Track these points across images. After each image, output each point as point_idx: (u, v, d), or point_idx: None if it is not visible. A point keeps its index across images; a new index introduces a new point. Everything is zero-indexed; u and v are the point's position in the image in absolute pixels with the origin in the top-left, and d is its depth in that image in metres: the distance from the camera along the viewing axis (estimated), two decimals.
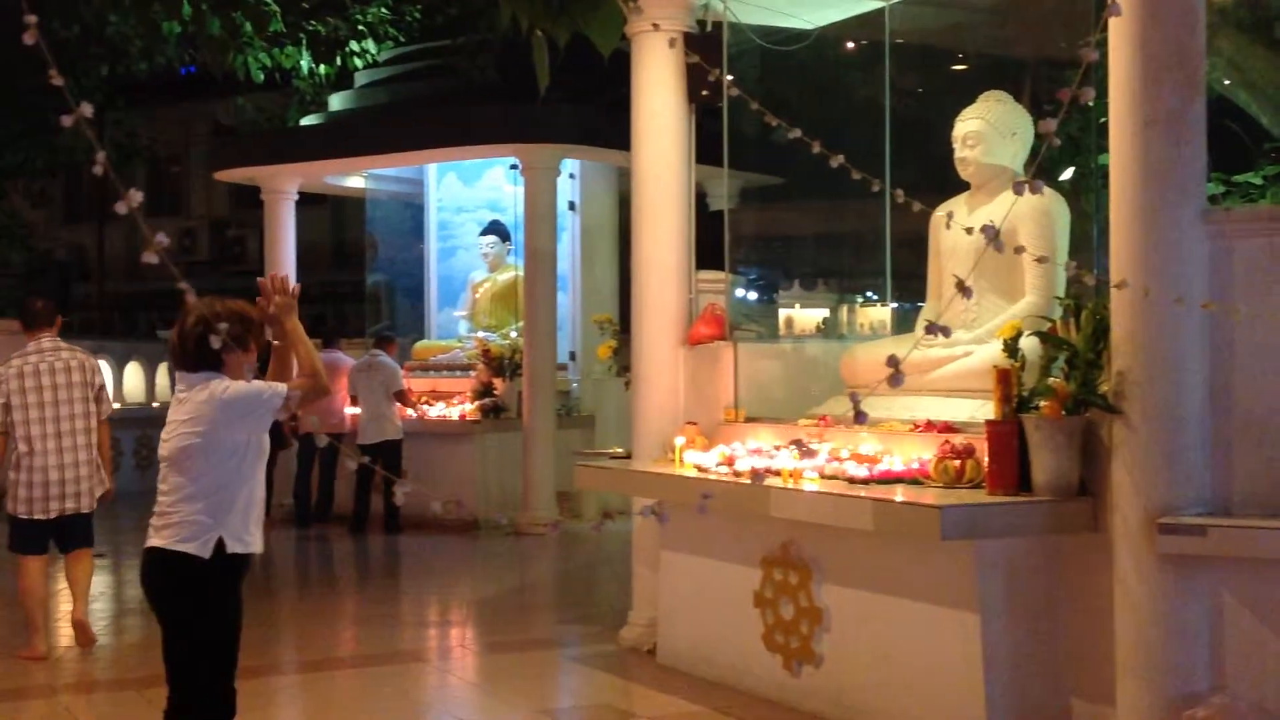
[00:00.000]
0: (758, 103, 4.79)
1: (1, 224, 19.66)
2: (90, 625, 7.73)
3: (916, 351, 6.62)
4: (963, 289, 3.56)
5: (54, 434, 7.16)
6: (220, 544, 4.21)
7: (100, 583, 10.26)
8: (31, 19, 3.08)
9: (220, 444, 4.20)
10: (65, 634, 7.90)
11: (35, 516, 7.22)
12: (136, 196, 2.97)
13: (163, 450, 4.31)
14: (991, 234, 3.74)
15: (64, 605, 8.19)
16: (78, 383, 7.24)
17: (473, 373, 13.46)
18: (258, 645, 7.82)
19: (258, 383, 4.26)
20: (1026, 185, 3.66)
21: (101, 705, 6.60)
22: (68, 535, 7.45)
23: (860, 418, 3.22)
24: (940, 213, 6.54)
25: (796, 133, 4.29)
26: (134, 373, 17.17)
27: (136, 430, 16.49)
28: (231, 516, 4.25)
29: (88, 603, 7.79)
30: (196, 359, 4.23)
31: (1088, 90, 3.61)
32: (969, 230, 4.67)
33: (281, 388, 4.24)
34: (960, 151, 6.66)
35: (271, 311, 4.31)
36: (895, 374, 3.12)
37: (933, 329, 3.58)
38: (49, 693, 6.78)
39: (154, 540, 4.26)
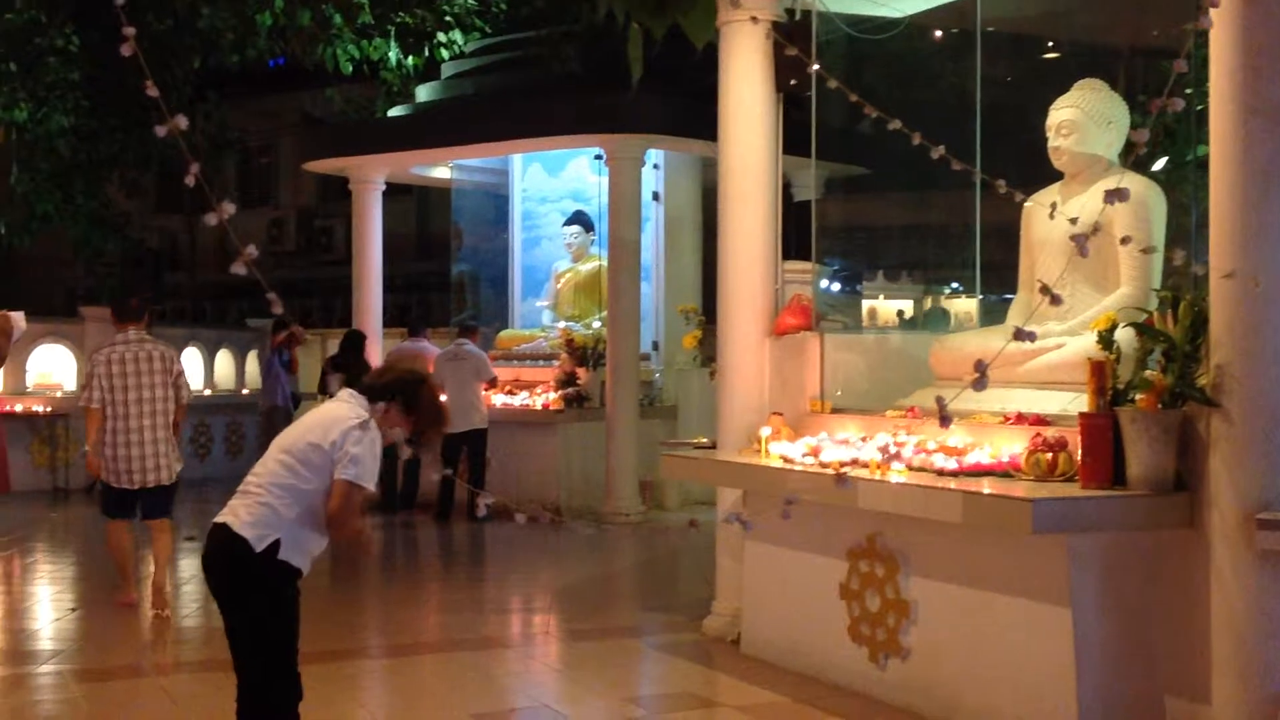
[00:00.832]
0: (855, 94, 4.76)
1: (98, 214, 20.04)
2: (166, 590, 8.26)
3: (1008, 344, 6.55)
4: (1051, 296, 3.50)
5: (137, 414, 8.00)
6: (275, 545, 4.28)
7: (189, 566, 10.47)
8: (129, 31, 3.14)
9: (327, 459, 4.31)
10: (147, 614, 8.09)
11: (122, 485, 8.05)
12: (228, 208, 3.03)
13: (285, 438, 4.41)
14: (1082, 241, 3.69)
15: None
16: (159, 370, 8.09)
17: (556, 362, 13.52)
18: (345, 630, 7.96)
19: (371, 465, 4.36)
20: (1115, 195, 3.60)
21: (193, 685, 6.72)
22: (148, 506, 8.21)
23: (945, 421, 3.19)
24: (1033, 203, 6.46)
25: (896, 124, 4.26)
26: (224, 360, 17.46)
27: (226, 416, 16.78)
28: (295, 528, 4.32)
29: (166, 569, 8.33)
30: (381, 390, 4.48)
31: (1176, 101, 3.55)
32: (1073, 220, 4.60)
33: (364, 482, 4.33)
34: (1054, 140, 6.57)
35: None
36: (980, 378, 3.09)
37: (1020, 335, 3.53)
38: (142, 673, 6.92)
39: (222, 516, 4.35)
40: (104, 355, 8.09)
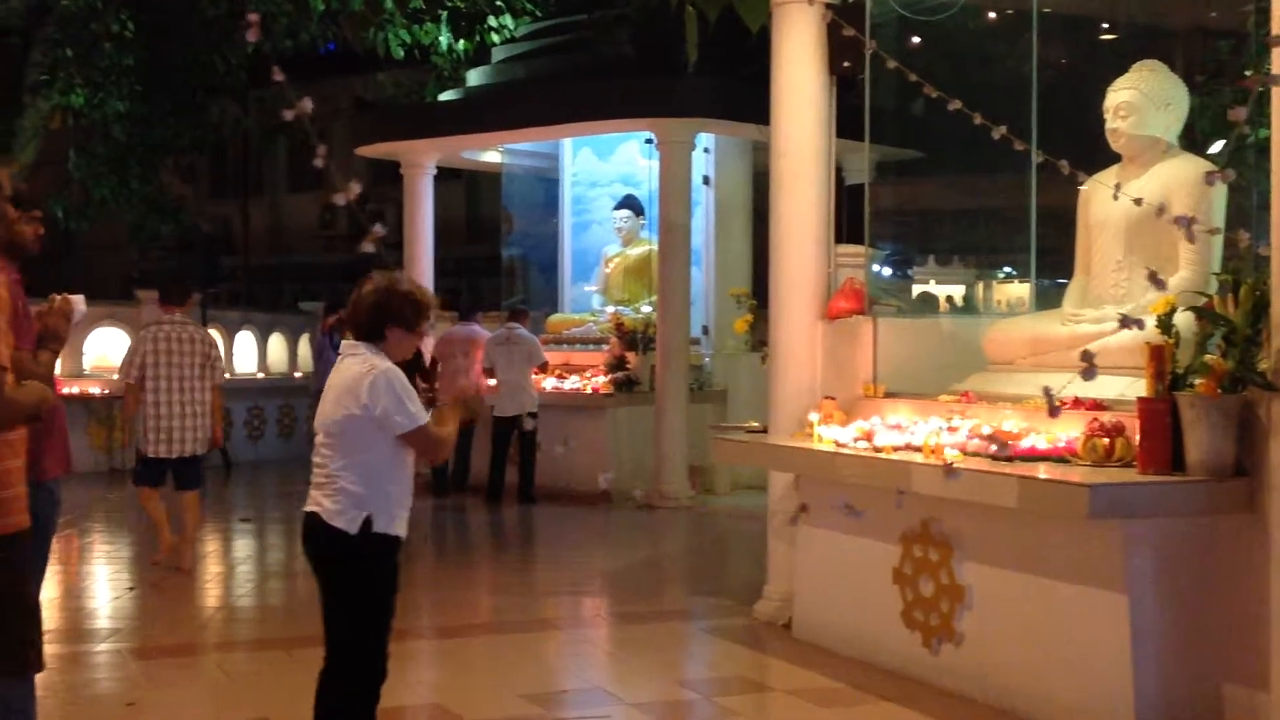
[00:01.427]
0: (916, 76, 4.73)
1: (153, 198, 20.26)
2: (189, 554, 9.03)
3: (1064, 328, 6.50)
4: (1155, 281, 3.47)
5: (176, 389, 8.76)
6: (368, 522, 4.27)
7: (244, 547, 10.61)
8: (253, 17, 3.20)
9: (372, 422, 4.28)
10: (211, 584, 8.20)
11: (159, 455, 8.77)
12: (355, 188, 3.08)
13: (321, 418, 4.40)
14: (1186, 223, 3.65)
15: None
16: (198, 351, 8.88)
17: (605, 346, 13.53)
18: (397, 611, 8.02)
19: (412, 400, 4.32)
20: (1218, 176, 3.56)
21: (251, 663, 6.80)
22: (179, 476, 8.97)
23: (1054, 411, 3.17)
24: (1093, 184, 6.40)
25: (957, 104, 4.23)
26: (277, 343, 17.61)
27: (279, 399, 16.93)
28: (380, 496, 4.30)
29: (194, 534, 9.17)
30: (367, 328, 4.37)
31: (1239, 110, 3.51)
32: (1138, 201, 4.54)
33: (420, 419, 4.30)
34: (1112, 123, 6.49)
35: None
36: (1089, 368, 3.07)
37: (1127, 322, 3.48)
38: (198, 651, 7.01)
39: (311, 505, 4.36)
40: (149, 334, 8.89)
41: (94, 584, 8.91)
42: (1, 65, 19.16)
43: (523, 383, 12.34)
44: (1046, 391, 3.32)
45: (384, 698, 5.90)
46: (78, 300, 4.48)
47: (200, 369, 8.84)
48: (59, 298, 4.34)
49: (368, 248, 3.31)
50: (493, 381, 12.60)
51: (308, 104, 2.85)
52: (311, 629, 6.73)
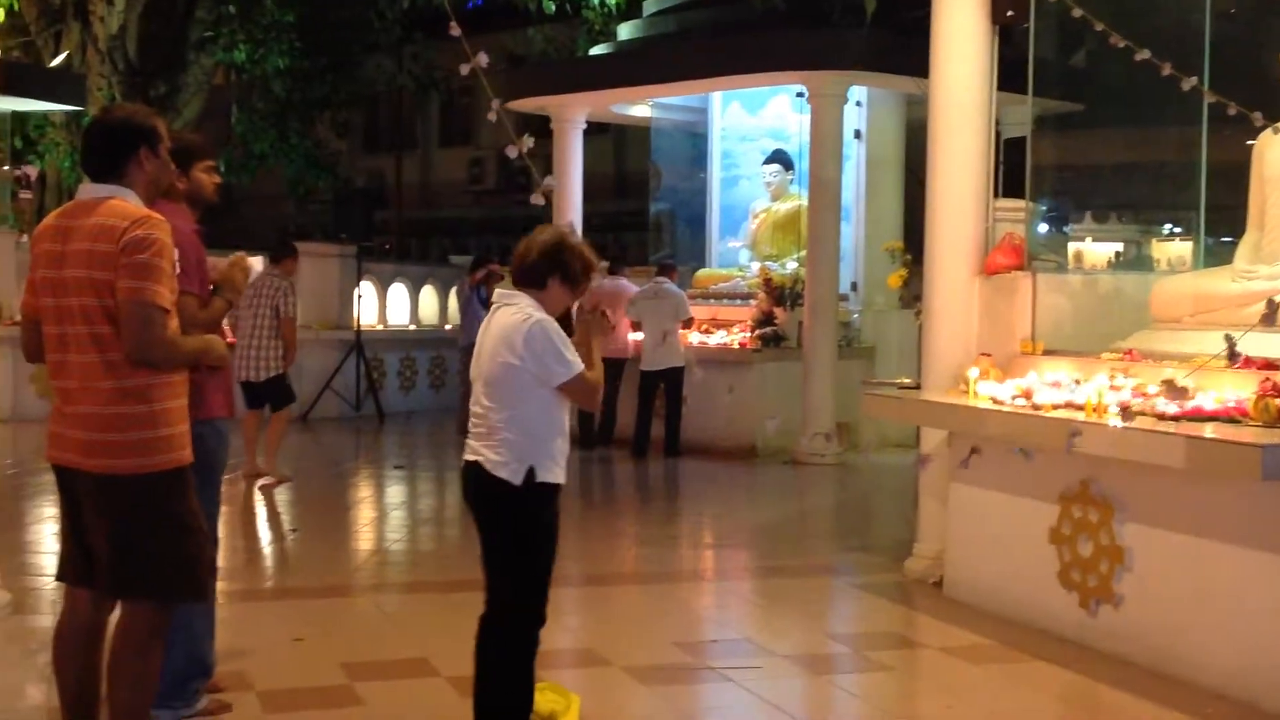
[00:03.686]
0: (1080, 26, 4.59)
1: (310, 153, 20.74)
2: (266, 466, 10.36)
3: (1235, 285, 6.29)
4: None
5: (251, 328, 10.19)
6: (531, 472, 4.30)
7: (397, 494, 10.87)
8: None
9: (529, 373, 4.29)
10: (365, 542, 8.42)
11: (242, 379, 10.05)
12: (528, 141, 3.12)
13: (478, 368, 4.41)
14: None
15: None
16: (267, 295, 10.27)
17: (753, 301, 13.49)
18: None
19: (569, 349, 4.32)
20: None
21: (408, 605, 6.99)
22: (265, 398, 10.39)
23: (1234, 359, 3.08)
24: (1265, 138, 6.16)
25: (1145, 54, 4.09)
26: (429, 296, 17.93)
27: (430, 351, 17.24)
28: (542, 446, 4.32)
29: (275, 446, 10.38)
30: (531, 275, 4.39)
31: None
32: None
33: (578, 366, 4.29)
34: None
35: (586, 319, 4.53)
36: (1270, 314, 2.98)
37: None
38: (357, 591, 7.22)
39: (472, 455, 4.37)
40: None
41: (256, 526, 9.22)
42: (167, 23, 19.77)
43: (669, 337, 12.37)
44: (1227, 338, 3.22)
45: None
46: (255, 261, 4.67)
47: (268, 308, 10.23)
48: (239, 255, 4.53)
49: (538, 200, 3.36)
50: (639, 336, 12.66)
51: (483, 58, 2.89)
52: (465, 574, 6.87)
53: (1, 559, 6.40)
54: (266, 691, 5.18)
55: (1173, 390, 5.33)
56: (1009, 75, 7.51)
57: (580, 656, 5.92)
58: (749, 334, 12.97)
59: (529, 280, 4.40)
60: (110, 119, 4.05)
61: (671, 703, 5.28)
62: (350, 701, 5.14)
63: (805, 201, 13.01)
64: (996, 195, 7.47)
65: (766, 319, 13.04)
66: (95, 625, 4.06)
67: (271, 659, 5.64)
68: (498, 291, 4.50)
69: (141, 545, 3.87)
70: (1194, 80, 4.79)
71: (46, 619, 6.34)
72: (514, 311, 4.35)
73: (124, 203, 3.89)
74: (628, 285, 13.21)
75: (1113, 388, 5.91)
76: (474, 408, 4.42)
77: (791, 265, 13.81)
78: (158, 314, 3.79)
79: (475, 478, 4.37)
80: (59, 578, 4.16)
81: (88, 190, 3.97)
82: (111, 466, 3.82)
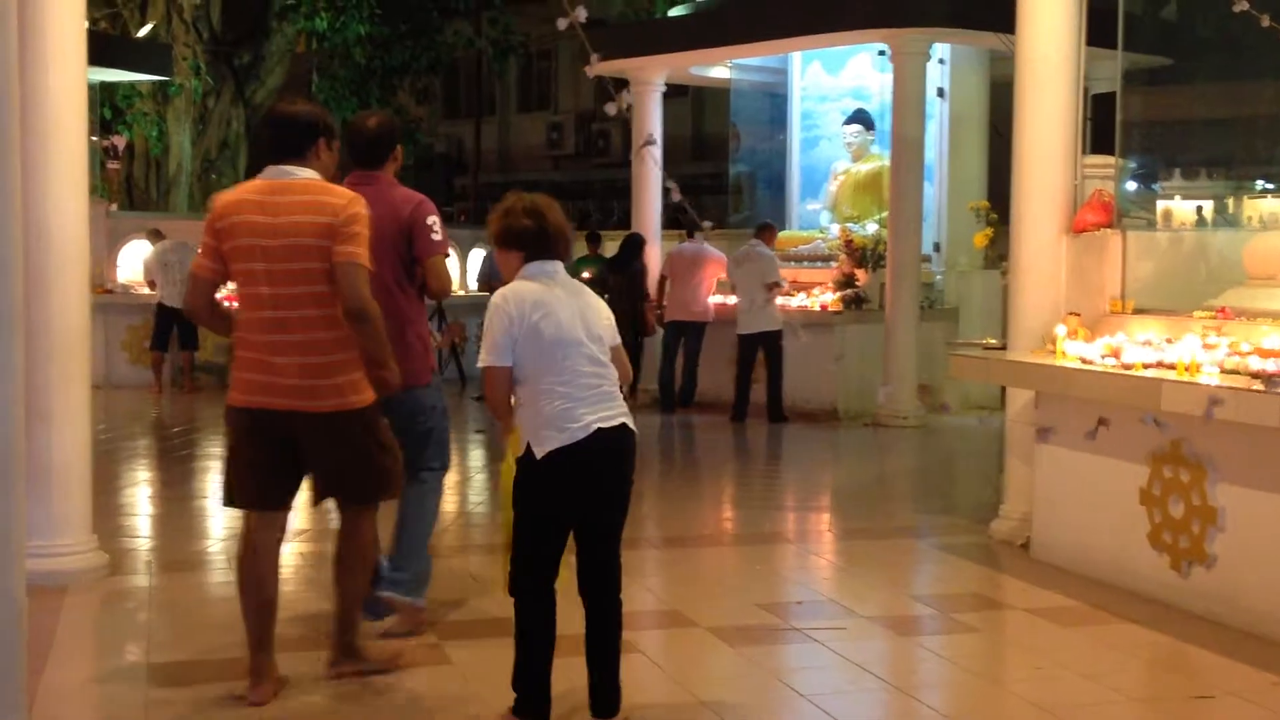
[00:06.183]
0: None
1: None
2: None
3: None
4: None
5: None
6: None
7: (478, 458, 10.96)
8: None
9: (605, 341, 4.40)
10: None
11: None
12: (626, 98, 3.11)
13: (579, 332, 4.28)
14: None
15: None
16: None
17: (834, 263, 13.40)
18: (629, 521, 8.19)
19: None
20: None
21: (491, 567, 7.03)
22: None
23: None
24: None
25: (1244, 4, 3.98)
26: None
27: None
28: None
29: None
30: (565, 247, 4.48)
31: None
32: None
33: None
34: None
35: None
36: None
37: None
38: (444, 554, 7.28)
39: (614, 420, 4.29)
40: None
41: None
42: None
43: (759, 301, 12.21)
44: None
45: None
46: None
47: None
48: None
49: (643, 159, 3.36)
50: (734, 299, 12.57)
51: (581, 13, 2.89)
52: None
53: (98, 522, 6.54)
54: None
55: (1264, 379, 5.24)
56: (1097, 29, 7.37)
57: (665, 618, 5.95)
58: (830, 296, 12.88)
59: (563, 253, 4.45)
60: (298, 111, 4.72)
61: (757, 664, 5.29)
62: (438, 660, 5.21)
63: (887, 162, 12.88)
64: (1085, 152, 7.35)
65: (848, 281, 12.94)
66: (279, 541, 4.78)
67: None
68: (539, 265, 4.34)
69: (369, 462, 4.70)
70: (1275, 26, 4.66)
71: (142, 579, 6.51)
72: (573, 284, 4.39)
73: (324, 182, 4.60)
74: (708, 249, 13.15)
75: (1206, 346, 5.80)
76: (586, 368, 4.26)
77: (872, 227, 13.70)
78: (367, 275, 4.51)
79: (626, 439, 4.33)
80: (255, 505, 4.69)
81: (279, 170, 4.58)
82: (341, 404, 4.54)
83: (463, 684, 4.97)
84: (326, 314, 4.50)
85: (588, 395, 4.24)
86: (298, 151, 4.62)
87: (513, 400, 4.33)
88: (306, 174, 4.59)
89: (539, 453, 4.23)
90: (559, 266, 4.36)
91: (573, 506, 4.32)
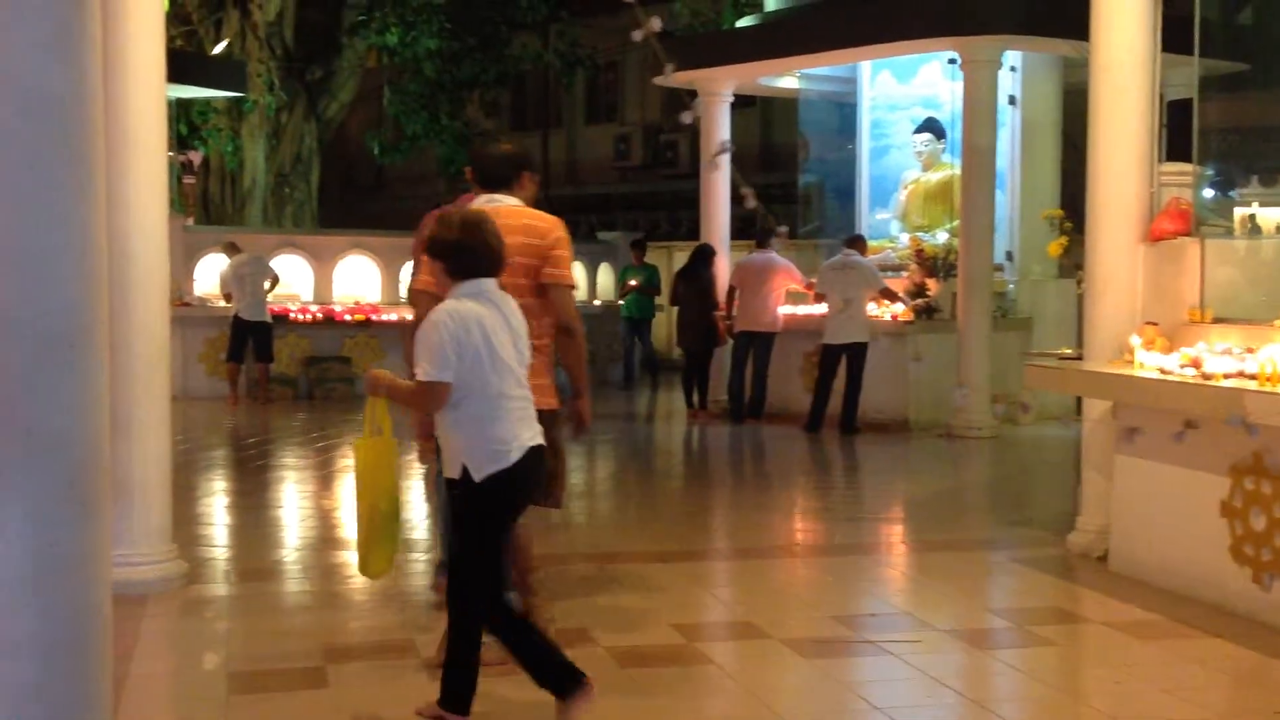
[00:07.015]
0: None
1: (460, 133, 21.05)
2: None
3: None
4: None
5: None
6: None
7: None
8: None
9: None
10: None
11: None
12: (699, 106, 3.11)
13: (522, 354, 4.44)
14: None
15: None
16: None
17: (904, 273, 13.31)
18: (700, 532, 8.23)
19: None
20: None
21: (559, 577, 7.06)
22: None
23: None
24: None
25: None
26: (578, 272, 18.09)
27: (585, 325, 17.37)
28: None
29: None
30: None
31: None
32: None
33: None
34: None
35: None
36: None
37: None
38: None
39: (536, 440, 4.47)
40: None
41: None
42: (321, 9, 20.25)
43: (855, 311, 12.11)
44: None
45: (691, 614, 6.08)
46: None
47: None
48: None
49: (716, 164, 3.36)
50: (817, 310, 12.52)
51: (656, 23, 2.89)
52: (618, 546, 6.97)
53: (176, 531, 6.64)
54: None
55: None
56: (1172, 35, 7.27)
57: (738, 629, 5.93)
58: (901, 306, 12.80)
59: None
60: (507, 149, 5.36)
61: (831, 675, 5.26)
62: (503, 671, 5.22)
63: (957, 170, 12.78)
64: (1161, 159, 7.25)
65: (919, 290, 12.86)
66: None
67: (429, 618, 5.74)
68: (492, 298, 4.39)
69: (557, 464, 5.11)
70: None
71: (220, 588, 6.60)
72: (502, 297, 4.41)
73: (532, 209, 5.14)
74: (776, 259, 13.13)
75: None
76: (514, 391, 4.33)
77: (943, 236, 13.60)
78: (573, 295, 5.16)
79: (544, 458, 4.49)
80: None
81: (491, 198, 5.08)
82: (543, 404, 4.78)
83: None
84: (534, 325, 4.78)
85: (524, 417, 4.37)
86: (505, 182, 5.17)
87: (437, 419, 4.34)
88: (512, 201, 5.11)
89: (478, 476, 4.26)
90: (493, 284, 4.37)
91: (509, 521, 4.50)
